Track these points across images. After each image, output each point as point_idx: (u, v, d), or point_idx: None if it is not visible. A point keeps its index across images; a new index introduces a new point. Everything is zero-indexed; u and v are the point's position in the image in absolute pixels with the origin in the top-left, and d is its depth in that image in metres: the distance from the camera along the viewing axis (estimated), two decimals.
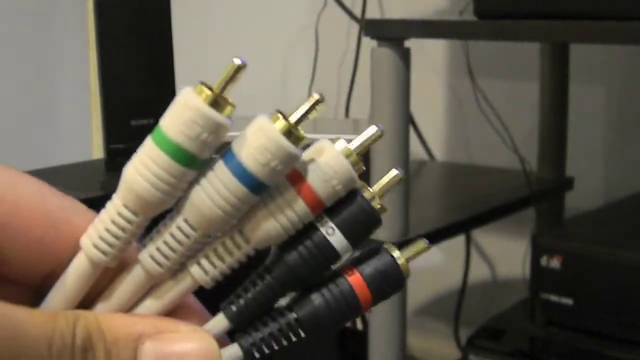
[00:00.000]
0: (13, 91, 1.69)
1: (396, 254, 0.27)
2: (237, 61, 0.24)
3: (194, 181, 0.25)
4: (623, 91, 1.26)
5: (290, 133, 0.24)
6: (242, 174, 0.24)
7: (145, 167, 0.25)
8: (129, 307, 0.27)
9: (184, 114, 0.24)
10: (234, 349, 0.26)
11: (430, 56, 1.39)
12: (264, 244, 0.26)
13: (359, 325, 1.41)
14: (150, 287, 0.27)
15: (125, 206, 0.25)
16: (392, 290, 0.27)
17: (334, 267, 0.27)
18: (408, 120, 0.88)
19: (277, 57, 1.55)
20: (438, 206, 1.09)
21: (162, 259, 0.26)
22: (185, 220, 0.25)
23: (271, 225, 0.25)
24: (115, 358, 0.24)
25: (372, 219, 0.26)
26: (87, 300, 0.27)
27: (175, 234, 0.26)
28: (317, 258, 0.26)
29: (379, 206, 0.26)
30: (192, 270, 0.26)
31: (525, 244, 1.16)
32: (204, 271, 0.26)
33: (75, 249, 0.26)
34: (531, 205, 1.12)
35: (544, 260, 0.91)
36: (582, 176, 1.22)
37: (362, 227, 0.26)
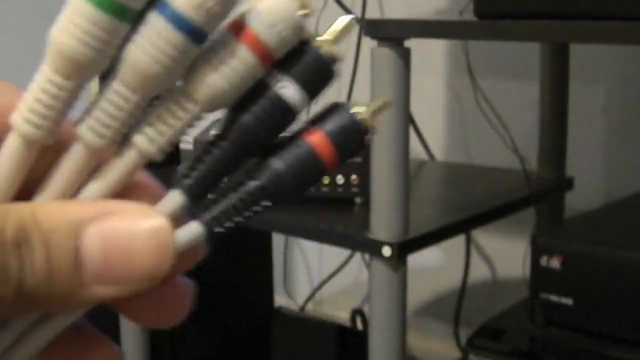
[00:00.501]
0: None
1: (356, 109, 0.25)
2: None
3: (128, 38, 0.23)
4: (623, 91, 1.26)
5: None
6: (177, 20, 0.22)
7: (71, 24, 0.22)
8: (73, 192, 0.24)
9: None
10: (193, 226, 0.24)
11: (430, 56, 1.39)
12: (213, 104, 0.24)
13: (359, 325, 1.41)
14: (95, 167, 0.24)
15: (56, 71, 0.23)
16: (356, 147, 0.25)
17: (293, 127, 0.25)
18: (408, 120, 0.88)
19: None
20: (438, 206, 1.09)
21: (102, 130, 0.23)
22: (122, 82, 0.23)
23: (217, 81, 0.23)
24: (55, 248, 0.22)
25: (326, 66, 0.24)
26: (28, 193, 0.24)
27: (113, 99, 0.23)
28: (273, 115, 0.24)
29: (332, 54, 0.25)
30: (136, 141, 0.24)
31: (525, 244, 1.16)
32: (149, 140, 0.24)
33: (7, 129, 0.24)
34: (531, 205, 1.12)
35: (543, 260, 0.91)
36: (582, 176, 1.22)
37: (316, 77, 0.24)
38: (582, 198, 1.21)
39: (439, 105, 1.42)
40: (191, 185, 0.24)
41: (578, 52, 1.18)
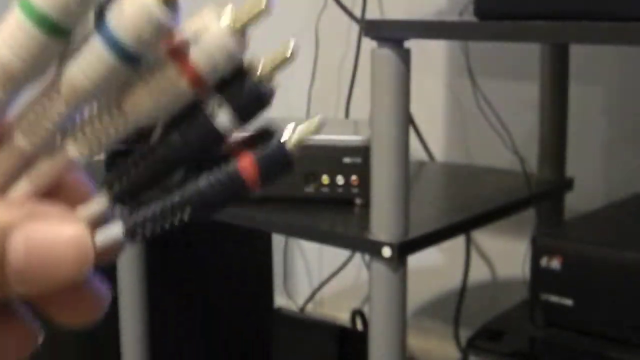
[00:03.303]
0: None
1: (285, 136, 0.26)
2: None
3: (68, 51, 0.24)
4: (623, 91, 1.26)
5: (167, 3, 0.24)
6: (113, 44, 0.23)
7: (10, 37, 0.23)
8: (3, 189, 0.26)
9: None
10: (114, 229, 0.25)
11: (430, 57, 1.39)
12: (144, 121, 0.25)
13: (359, 325, 1.41)
14: (26, 166, 0.25)
15: None
16: (280, 172, 0.26)
17: (223, 145, 0.26)
18: (408, 121, 0.88)
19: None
20: (438, 206, 1.09)
21: (32, 134, 0.25)
22: (57, 91, 0.24)
23: (149, 101, 0.25)
24: None
25: (259, 97, 0.25)
26: None
27: (46, 107, 0.24)
28: (201, 138, 0.25)
29: (267, 84, 0.26)
30: (67, 147, 0.25)
31: (525, 245, 1.16)
32: (79, 147, 0.25)
33: None
34: (531, 205, 1.12)
35: (544, 261, 0.91)
36: (582, 176, 1.22)
37: (250, 106, 0.25)
38: (582, 198, 1.21)
39: (439, 106, 1.42)
40: (118, 191, 0.26)
41: (578, 52, 1.18)
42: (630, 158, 1.26)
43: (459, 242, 1.27)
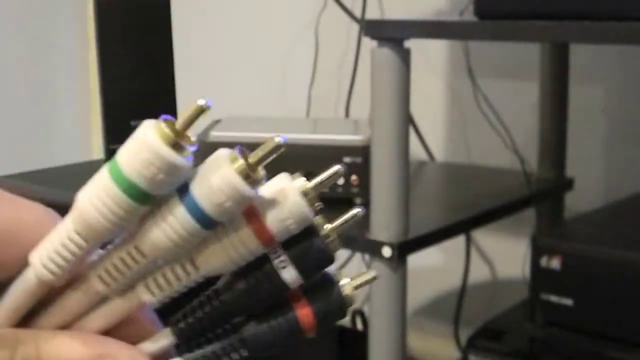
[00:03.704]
0: (13, 91, 1.69)
1: (344, 285, 0.28)
2: (202, 102, 0.25)
3: (149, 212, 0.26)
4: (623, 91, 1.26)
5: (248, 175, 0.25)
6: (196, 211, 0.25)
7: (98, 199, 0.25)
8: (74, 321, 0.27)
9: (142, 154, 0.24)
10: None
11: (430, 56, 1.39)
12: (214, 274, 0.27)
13: (359, 325, 1.41)
14: (99, 302, 0.27)
15: (76, 232, 0.26)
16: (336, 320, 0.28)
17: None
18: (408, 121, 0.88)
19: (277, 57, 1.55)
20: (438, 206, 1.09)
21: (110, 281, 0.26)
22: (136, 247, 0.26)
23: (221, 258, 0.26)
24: None
25: (325, 257, 0.27)
26: (34, 308, 0.27)
27: (124, 258, 0.26)
28: (267, 290, 0.27)
29: (333, 243, 0.27)
30: (139, 291, 0.27)
31: (525, 245, 1.16)
32: (150, 293, 0.27)
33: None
34: (531, 205, 1.12)
35: (544, 261, 0.91)
36: (582, 176, 1.22)
37: (314, 263, 0.27)
38: (582, 198, 1.21)
39: (439, 106, 1.42)
40: (182, 329, 0.27)
41: (578, 52, 1.18)
42: (630, 158, 1.26)
43: (459, 242, 1.27)
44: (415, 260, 0.93)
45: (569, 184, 1.19)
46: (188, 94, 1.20)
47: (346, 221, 0.28)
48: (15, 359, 0.24)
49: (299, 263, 0.27)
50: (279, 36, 1.54)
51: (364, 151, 0.96)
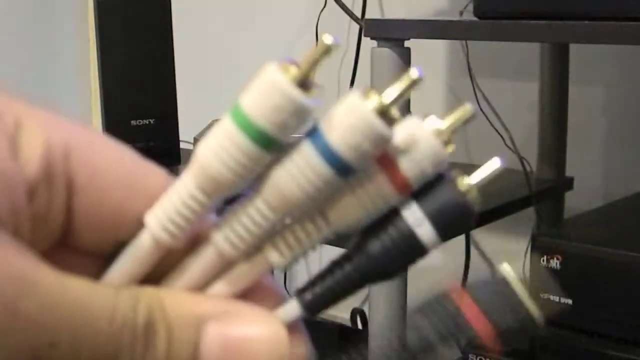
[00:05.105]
0: (13, 91, 1.68)
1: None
2: (329, 40, 0.22)
3: (275, 161, 0.23)
4: (623, 91, 1.26)
5: (384, 113, 0.23)
6: (330, 156, 0.22)
7: (222, 149, 0.23)
8: (199, 289, 0.25)
9: (270, 98, 0.22)
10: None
11: (430, 56, 1.39)
12: (346, 228, 0.24)
13: (359, 324, 1.41)
14: (224, 268, 0.25)
15: (198, 187, 0.24)
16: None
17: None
18: None
19: (277, 57, 1.54)
20: None
21: (237, 241, 0.24)
22: (265, 202, 0.24)
23: (356, 209, 0.24)
24: (177, 340, 0.23)
25: (465, 213, 0.24)
26: (153, 276, 0.25)
27: (252, 215, 0.24)
28: (402, 250, 0.24)
29: (473, 198, 0.24)
30: (267, 253, 0.24)
31: (525, 244, 1.16)
32: (279, 253, 0.24)
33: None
34: (531, 205, 1.12)
35: (543, 260, 0.91)
36: (582, 176, 1.22)
37: (454, 221, 0.24)
38: (582, 198, 1.21)
39: (439, 105, 1.42)
40: (309, 301, 0.25)
41: (578, 52, 1.18)
42: (630, 158, 1.26)
43: (459, 241, 1.27)
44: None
45: (568, 184, 1.19)
46: (188, 94, 1.20)
47: (486, 173, 0.24)
48: (138, 308, 0.22)
49: (438, 220, 0.24)
50: (279, 36, 1.55)
51: None
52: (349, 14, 1.32)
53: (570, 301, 0.89)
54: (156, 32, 1.04)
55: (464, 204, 0.24)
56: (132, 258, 0.24)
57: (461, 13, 1.10)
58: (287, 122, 0.22)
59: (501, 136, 1.20)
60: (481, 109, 1.22)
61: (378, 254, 0.24)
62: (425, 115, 0.24)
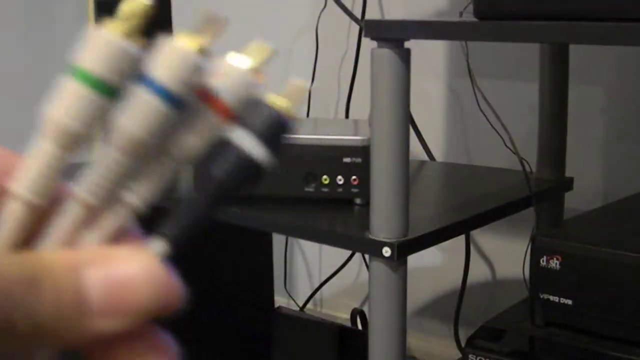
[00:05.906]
0: (13, 91, 1.69)
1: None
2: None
3: (117, 110, 0.27)
4: (623, 91, 1.26)
5: (203, 50, 0.27)
6: (159, 90, 0.26)
7: (70, 105, 0.26)
8: (71, 243, 0.28)
9: (102, 50, 0.27)
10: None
11: (430, 57, 1.39)
12: (186, 160, 0.28)
13: (359, 325, 1.42)
14: (88, 221, 0.28)
15: (57, 145, 0.27)
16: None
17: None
18: (408, 121, 0.88)
19: (277, 57, 1.55)
20: (438, 206, 1.09)
21: (96, 189, 0.27)
22: (114, 146, 0.27)
23: (194, 141, 0.27)
24: (63, 288, 0.25)
25: (284, 124, 0.28)
26: (28, 242, 0.28)
27: (105, 161, 0.27)
28: (241, 169, 0.28)
29: (285, 110, 0.28)
30: (127, 198, 0.28)
31: (525, 244, 1.16)
32: (137, 196, 0.28)
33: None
34: (531, 205, 1.12)
35: (543, 261, 0.91)
36: (582, 176, 1.22)
37: (276, 133, 0.28)
38: (582, 198, 1.21)
39: (438, 106, 1.42)
40: (173, 235, 0.28)
41: (578, 53, 1.18)
42: (630, 158, 1.26)
43: (459, 242, 1.27)
44: (415, 260, 0.94)
45: (568, 184, 1.19)
46: None
47: (294, 92, 0.29)
48: (22, 266, 0.25)
49: (261, 136, 0.28)
50: (279, 36, 1.55)
51: (364, 151, 0.96)
52: (349, 15, 1.32)
53: (570, 301, 0.90)
54: (156, 32, 1.04)
55: (279, 117, 0.28)
56: (7, 226, 0.27)
57: (461, 14, 1.10)
58: (119, 68, 0.26)
59: (501, 137, 1.20)
60: (481, 109, 1.22)
61: (221, 177, 0.28)
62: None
